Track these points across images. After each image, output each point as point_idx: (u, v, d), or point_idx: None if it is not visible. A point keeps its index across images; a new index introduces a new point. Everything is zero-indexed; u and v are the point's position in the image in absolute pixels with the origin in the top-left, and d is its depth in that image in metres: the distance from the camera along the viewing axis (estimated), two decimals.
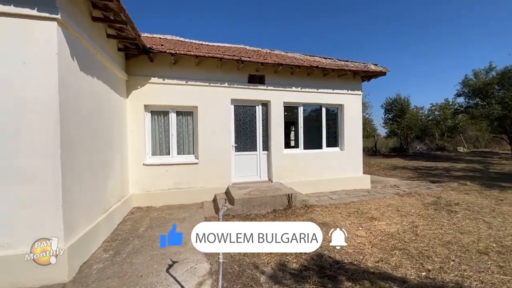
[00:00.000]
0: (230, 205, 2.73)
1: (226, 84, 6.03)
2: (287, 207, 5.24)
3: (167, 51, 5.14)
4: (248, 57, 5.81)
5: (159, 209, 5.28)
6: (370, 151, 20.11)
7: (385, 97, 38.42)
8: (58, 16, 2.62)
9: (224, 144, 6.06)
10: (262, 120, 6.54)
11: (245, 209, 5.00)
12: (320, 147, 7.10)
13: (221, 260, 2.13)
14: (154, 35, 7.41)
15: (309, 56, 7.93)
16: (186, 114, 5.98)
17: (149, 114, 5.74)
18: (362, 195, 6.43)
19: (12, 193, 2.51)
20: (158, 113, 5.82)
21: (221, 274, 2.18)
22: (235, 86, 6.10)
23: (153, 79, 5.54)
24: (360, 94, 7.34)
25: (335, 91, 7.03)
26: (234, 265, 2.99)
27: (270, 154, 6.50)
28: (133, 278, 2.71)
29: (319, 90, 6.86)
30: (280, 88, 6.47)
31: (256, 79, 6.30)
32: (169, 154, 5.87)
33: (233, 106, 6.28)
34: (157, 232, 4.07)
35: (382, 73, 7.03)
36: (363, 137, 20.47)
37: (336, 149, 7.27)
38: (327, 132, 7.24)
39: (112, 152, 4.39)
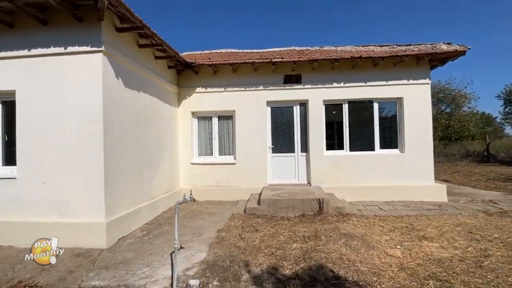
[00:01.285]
0: (192, 197, 2.89)
1: (261, 87, 6.18)
2: (317, 212, 4.83)
3: (205, 63, 5.81)
4: (281, 58, 5.78)
5: (200, 203, 5.94)
6: (479, 156, 15.30)
7: (504, 84, 28.37)
8: (102, 48, 3.53)
9: (260, 146, 6.20)
10: (300, 120, 6.29)
11: (271, 210, 4.96)
12: (371, 148, 6.14)
13: (176, 246, 2.31)
14: (212, 51, 8.46)
15: (362, 46, 7.07)
16: (226, 118, 6.50)
17: (196, 120, 6.58)
18: (426, 209, 5.12)
19: (73, 179, 3.54)
20: (203, 118, 6.60)
21: (176, 258, 2.37)
22: (270, 88, 6.17)
23: (198, 89, 6.35)
24: (427, 83, 5.89)
25: (390, 82, 5.93)
26: (227, 259, 3.08)
27: (309, 156, 6.15)
28: (144, 255, 3.25)
29: (368, 83, 5.97)
30: (319, 86, 6.06)
31: (292, 79, 6.16)
32: (212, 155, 6.53)
33: (269, 108, 6.35)
34: (186, 221, 4.65)
35: (460, 53, 5.41)
36: (467, 138, 15.83)
37: (394, 151, 6.08)
38: (383, 132, 6.18)
39: (160, 152, 5.33)
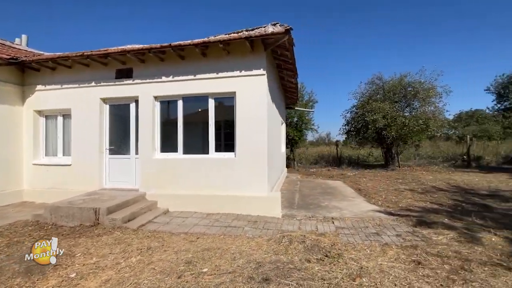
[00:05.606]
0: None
1: (93, 83, 5.72)
2: (93, 224, 4.27)
3: (32, 59, 5.52)
4: (105, 51, 5.25)
5: (26, 205, 5.69)
6: (458, 160, 13.06)
7: (495, 75, 23.88)
8: None
9: (96, 147, 5.74)
10: (136, 119, 5.70)
11: (53, 218, 4.51)
12: (206, 151, 5.34)
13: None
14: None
15: (219, 36, 6.27)
16: (69, 117, 6.13)
17: (44, 119, 6.33)
18: (235, 226, 4.23)
19: None
20: (51, 118, 6.32)
21: None
22: (102, 84, 5.68)
23: (39, 87, 6.08)
24: (263, 74, 4.93)
25: (221, 74, 5.08)
26: None
27: (140, 158, 5.56)
28: None
29: (198, 76, 5.18)
30: (148, 80, 5.42)
31: (123, 74, 5.59)
32: (57, 155, 6.23)
33: (108, 105, 5.86)
34: None
35: (283, 34, 4.38)
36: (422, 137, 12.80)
37: (229, 155, 5.21)
38: (223, 133, 5.36)
39: None
